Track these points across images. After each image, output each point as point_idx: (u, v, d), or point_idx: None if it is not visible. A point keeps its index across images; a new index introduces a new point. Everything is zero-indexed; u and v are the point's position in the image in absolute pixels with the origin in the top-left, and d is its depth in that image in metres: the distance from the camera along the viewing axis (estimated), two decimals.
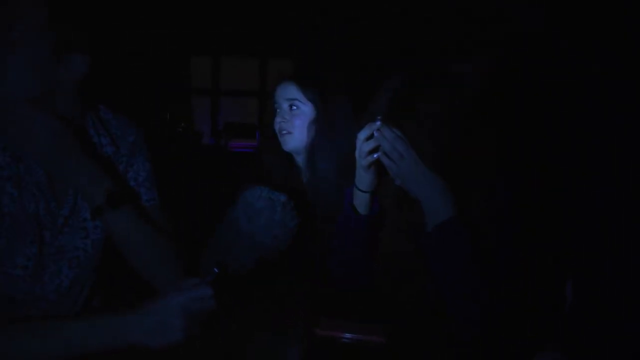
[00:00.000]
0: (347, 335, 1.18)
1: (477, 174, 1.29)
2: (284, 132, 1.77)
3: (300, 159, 1.82)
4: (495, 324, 1.22)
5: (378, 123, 1.24)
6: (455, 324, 1.23)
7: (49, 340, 1.01)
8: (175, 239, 1.34)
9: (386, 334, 1.19)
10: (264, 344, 1.16)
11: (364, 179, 1.34)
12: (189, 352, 1.08)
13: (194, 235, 1.65)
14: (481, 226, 1.26)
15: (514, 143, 1.41)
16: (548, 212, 1.51)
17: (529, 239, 1.31)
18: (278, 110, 1.79)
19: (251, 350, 1.14)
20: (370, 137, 1.26)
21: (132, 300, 1.10)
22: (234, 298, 1.21)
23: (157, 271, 1.27)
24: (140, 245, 1.25)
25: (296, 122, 1.76)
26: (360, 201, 1.36)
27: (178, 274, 1.26)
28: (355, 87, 1.86)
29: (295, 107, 1.76)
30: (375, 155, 1.26)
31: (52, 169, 1.18)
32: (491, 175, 1.30)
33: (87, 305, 1.30)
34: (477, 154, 1.29)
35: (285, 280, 1.46)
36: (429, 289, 1.28)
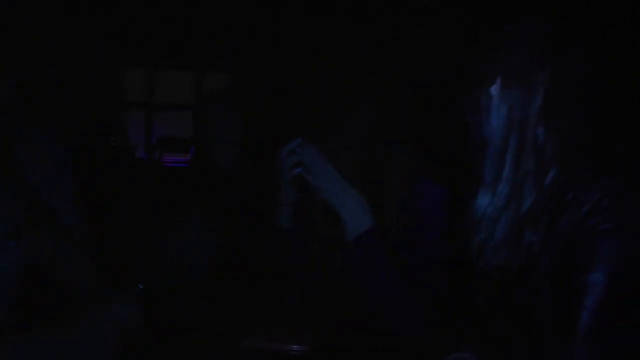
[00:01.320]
0: (272, 345, 1.21)
1: (396, 185, 1.35)
2: (219, 149, 1.81)
3: (232, 173, 1.85)
4: (418, 328, 1.27)
5: (299, 139, 1.29)
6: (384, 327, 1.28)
7: None
8: (100, 256, 1.33)
9: (312, 342, 1.23)
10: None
11: (287, 193, 1.39)
12: None
13: (123, 250, 1.63)
14: (401, 235, 1.32)
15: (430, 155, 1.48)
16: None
17: (448, 244, 1.37)
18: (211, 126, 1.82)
19: None
20: (293, 152, 1.32)
21: (58, 319, 1.09)
22: (160, 314, 1.22)
23: (82, 289, 1.26)
24: (63, 264, 1.23)
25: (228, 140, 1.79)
26: (285, 215, 1.41)
27: (104, 291, 1.26)
28: (286, 102, 1.91)
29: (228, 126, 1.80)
30: (297, 170, 1.32)
31: None
32: (408, 186, 1.36)
33: (13, 325, 1.27)
34: (396, 167, 1.35)
35: (210, 293, 1.47)
36: (354, 298, 1.33)
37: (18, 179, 1.20)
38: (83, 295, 1.24)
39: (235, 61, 4.55)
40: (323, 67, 1.45)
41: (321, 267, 1.41)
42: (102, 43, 4.41)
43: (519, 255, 1.00)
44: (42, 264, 1.23)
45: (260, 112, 1.88)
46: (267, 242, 1.47)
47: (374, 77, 1.46)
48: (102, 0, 4.10)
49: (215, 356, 1.19)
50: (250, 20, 4.37)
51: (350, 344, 1.27)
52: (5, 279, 1.25)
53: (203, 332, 1.29)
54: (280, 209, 1.42)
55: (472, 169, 1.09)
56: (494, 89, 1.01)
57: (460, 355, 1.11)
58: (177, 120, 5.29)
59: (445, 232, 1.34)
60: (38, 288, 1.28)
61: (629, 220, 0.85)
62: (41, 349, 1.03)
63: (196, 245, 1.50)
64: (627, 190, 0.88)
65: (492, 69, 1.02)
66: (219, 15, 4.51)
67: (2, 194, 1.17)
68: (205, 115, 1.88)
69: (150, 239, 1.69)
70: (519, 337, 1.03)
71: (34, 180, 1.28)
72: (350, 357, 1.24)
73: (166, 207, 1.74)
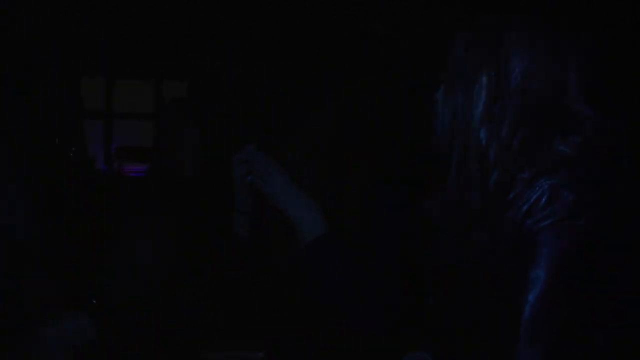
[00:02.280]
0: (225, 353, 1.21)
1: (355, 191, 1.38)
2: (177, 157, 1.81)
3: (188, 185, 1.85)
4: (376, 330, 1.29)
5: (250, 147, 1.30)
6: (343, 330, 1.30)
7: None
8: (55, 271, 1.31)
9: (271, 348, 1.24)
10: None
11: (242, 200, 1.40)
12: None
13: (80, 264, 1.61)
14: (359, 240, 1.34)
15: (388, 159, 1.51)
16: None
17: (407, 248, 1.39)
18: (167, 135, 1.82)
19: None
20: (244, 160, 1.32)
21: (10, 337, 1.07)
22: (113, 329, 1.21)
23: (35, 305, 1.24)
24: (16, 281, 1.21)
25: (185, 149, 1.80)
26: (241, 222, 1.41)
27: (57, 306, 1.24)
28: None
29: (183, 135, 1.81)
30: (248, 178, 1.32)
31: None
32: (368, 192, 1.39)
33: None
34: (355, 174, 1.38)
35: (165, 305, 1.47)
36: (308, 304, 1.34)
37: None
38: (36, 311, 1.22)
39: (194, 69, 4.53)
40: (290, 69, 1.46)
41: (278, 274, 1.42)
42: (61, 51, 4.34)
43: (468, 256, 1.03)
44: None
45: (216, 120, 1.88)
46: (223, 249, 1.47)
47: (339, 79, 1.48)
48: (63, 7, 4.04)
49: None
50: (210, 27, 4.36)
51: (310, 348, 1.28)
52: None
53: (161, 345, 1.28)
54: (236, 216, 1.42)
55: (426, 174, 1.11)
56: (439, 95, 1.04)
57: (417, 355, 1.13)
58: (136, 129, 5.24)
59: (403, 236, 1.36)
60: None
61: (566, 216, 0.89)
62: None
63: (154, 254, 1.50)
64: (564, 187, 0.91)
65: (438, 75, 1.05)
66: (178, 22, 4.49)
67: None
68: (162, 124, 1.88)
69: (108, 250, 1.67)
70: (474, 336, 1.05)
71: None
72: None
73: (125, 218, 1.73)
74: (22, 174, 1.35)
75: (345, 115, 1.46)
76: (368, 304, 1.28)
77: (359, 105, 1.54)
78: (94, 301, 1.14)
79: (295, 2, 3.73)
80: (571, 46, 1.07)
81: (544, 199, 0.90)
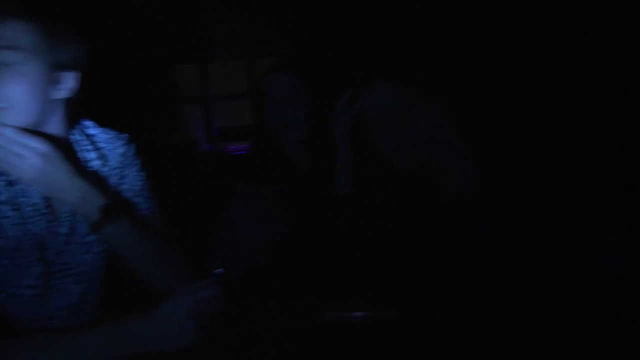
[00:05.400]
0: (358, 313, 1.19)
1: None
2: (284, 122, 1.78)
3: (296, 153, 1.83)
4: None
5: (350, 90, 1.29)
6: None
7: (60, 354, 1.03)
8: (177, 245, 1.35)
9: (397, 307, 1.20)
10: (275, 338, 1.17)
11: (344, 158, 1.41)
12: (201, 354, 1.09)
13: (198, 240, 1.66)
14: None
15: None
16: None
17: None
18: (272, 101, 1.79)
19: (263, 347, 1.15)
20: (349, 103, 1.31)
21: (141, 308, 1.11)
22: (240, 297, 1.22)
23: (163, 278, 1.28)
24: (142, 254, 1.26)
25: (296, 112, 1.77)
26: (344, 181, 1.42)
27: (184, 279, 1.27)
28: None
29: (294, 97, 1.77)
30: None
31: (44, 191, 1.19)
32: None
33: (99, 318, 1.31)
34: None
35: (286, 273, 1.47)
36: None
37: (88, 177, 1.22)
38: (166, 282, 1.26)
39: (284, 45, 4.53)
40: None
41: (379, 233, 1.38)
42: (156, 44, 4.51)
43: None
44: (121, 256, 1.25)
45: (322, 83, 1.85)
46: (326, 211, 1.45)
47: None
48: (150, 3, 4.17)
49: (303, 330, 1.18)
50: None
51: (436, 309, 1.23)
52: (92, 274, 1.29)
53: (285, 309, 1.28)
54: (339, 175, 1.40)
55: None
56: None
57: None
58: (234, 110, 5.35)
59: None
60: (120, 280, 1.31)
61: None
62: (127, 337, 1.06)
63: (265, 225, 1.51)
64: None
65: None
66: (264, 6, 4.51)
67: (75, 196, 1.19)
68: (261, 91, 1.86)
69: (221, 226, 1.71)
70: None
71: (102, 177, 1.30)
72: (437, 320, 1.20)
73: (232, 194, 1.76)
74: (134, 156, 1.39)
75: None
76: None
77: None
78: (221, 271, 1.14)
79: None
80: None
81: None
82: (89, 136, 1.34)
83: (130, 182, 1.36)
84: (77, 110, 1.27)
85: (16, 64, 1.11)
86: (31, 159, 1.13)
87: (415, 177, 1.33)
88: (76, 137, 1.31)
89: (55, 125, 1.22)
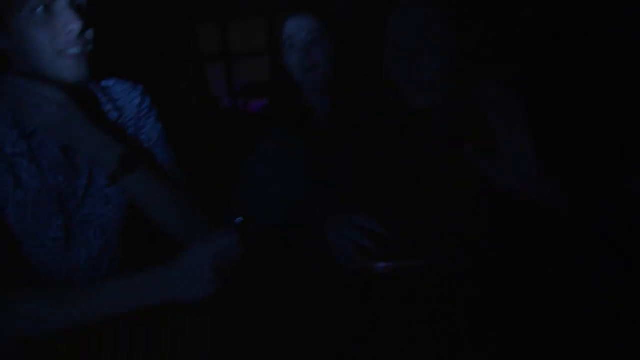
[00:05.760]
0: (382, 264, 1.16)
1: None
2: (307, 65, 1.72)
3: (317, 100, 1.78)
4: None
5: None
6: None
7: (83, 303, 1.02)
8: (196, 195, 1.33)
9: (422, 257, 1.17)
10: (293, 292, 1.16)
11: None
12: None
13: (217, 194, 1.64)
14: None
15: None
16: None
17: None
18: (293, 45, 1.73)
19: (280, 301, 1.14)
20: None
21: (160, 258, 1.10)
22: (258, 248, 1.20)
23: (182, 228, 1.27)
24: (161, 204, 1.25)
25: (319, 56, 1.71)
26: None
27: (203, 229, 1.26)
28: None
29: (317, 40, 1.71)
30: None
31: (61, 140, 1.19)
32: None
33: (120, 269, 1.32)
34: None
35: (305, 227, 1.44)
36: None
37: (105, 128, 1.21)
38: (185, 232, 1.25)
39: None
40: None
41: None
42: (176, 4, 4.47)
43: None
44: (140, 206, 1.25)
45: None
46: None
47: None
48: None
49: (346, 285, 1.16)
50: None
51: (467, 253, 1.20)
52: (112, 225, 1.29)
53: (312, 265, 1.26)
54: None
55: None
56: None
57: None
58: (253, 66, 5.31)
59: None
60: (140, 230, 1.31)
61: None
62: (148, 287, 1.05)
63: (286, 174, 1.48)
64: None
65: None
66: None
67: (93, 146, 1.18)
68: (280, 38, 1.79)
69: (241, 179, 1.69)
70: None
71: (119, 127, 1.29)
72: (462, 271, 1.18)
73: (253, 146, 1.73)
74: (151, 108, 1.37)
75: None
76: None
77: None
78: (240, 219, 1.11)
79: None
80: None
81: None
82: (104, 88, 1.32)
83: (147, 132, 1.34)
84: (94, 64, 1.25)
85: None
86: (46, 108, 1.12)
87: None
88: (92, 88, 1.29)
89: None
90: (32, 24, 1.10)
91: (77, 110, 1.16)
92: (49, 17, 1.10)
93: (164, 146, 1.36)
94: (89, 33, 1.15)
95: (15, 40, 1.13)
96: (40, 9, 1.09)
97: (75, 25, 1.10)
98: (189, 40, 5.03)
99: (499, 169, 1.01)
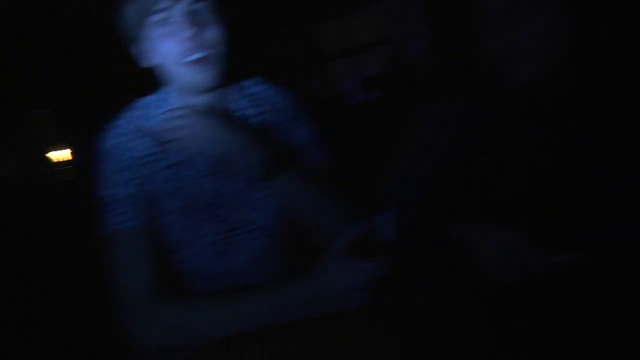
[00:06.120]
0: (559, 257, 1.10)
1: None
2: None
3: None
4: None
5: None
6: None
7: (239, 312, 1.05)
8: (347, 196, 1.29)
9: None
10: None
11: None
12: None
13: (367, 191, 1.60)
14: None
15: None
16: None
17: None
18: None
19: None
20: None
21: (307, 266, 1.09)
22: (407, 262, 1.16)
23: (332, 231, 1.24)
24: (312, 206, 1.23)
25: None
26: None
27: (353, 232, 1.22)
28: None
29: None
30: None
31: (210, 148, 1.20)
32: None
33: (278, 274, 1.32)
34: None
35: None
36: None
37: (253, 133, 1.21)
38: (332, 235, 1.22)
39: None
40: None
41: None
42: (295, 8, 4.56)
43: None
44: (292, 208, 1.23)
45: None
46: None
47: None
48: None
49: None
50: None
51: None
52: (269, 229, 1.29)
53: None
54: None
55: None
56: None
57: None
58: (377, 58, 5.27)
59: None
60: (292, 233, 1.30)
61: None
62: (301, 299, 1.06)
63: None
64: None
65: None
66: None
67: (245, 152, 1.19)
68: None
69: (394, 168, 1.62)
70: None
71: (266, 131, 1.29)
72: None
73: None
74: (299, 109, 1.38)
75: None
76: None
77: None
78: (389, 214, 1.08)
79: None
80: None
81: None
82: (245, 91, 1.33)
83: (295, 134, 1.33)
84: (233, 70, 1.27)
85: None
86: (187, 119, 1.17)
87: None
88: (233, 92, 1.32)
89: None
90: (156, 37, 1.15)
91: (217, 117, 1.19)
92: (169, 28, 1.14)
93: (313, 146, 1.34)
94: (207, 37, 1.16)
95: (149, 56, 1.19)
96: (159, 21, 1.14)
97: (189, 32, 1.13)
98: (311, 40, 5.12)
99: None
